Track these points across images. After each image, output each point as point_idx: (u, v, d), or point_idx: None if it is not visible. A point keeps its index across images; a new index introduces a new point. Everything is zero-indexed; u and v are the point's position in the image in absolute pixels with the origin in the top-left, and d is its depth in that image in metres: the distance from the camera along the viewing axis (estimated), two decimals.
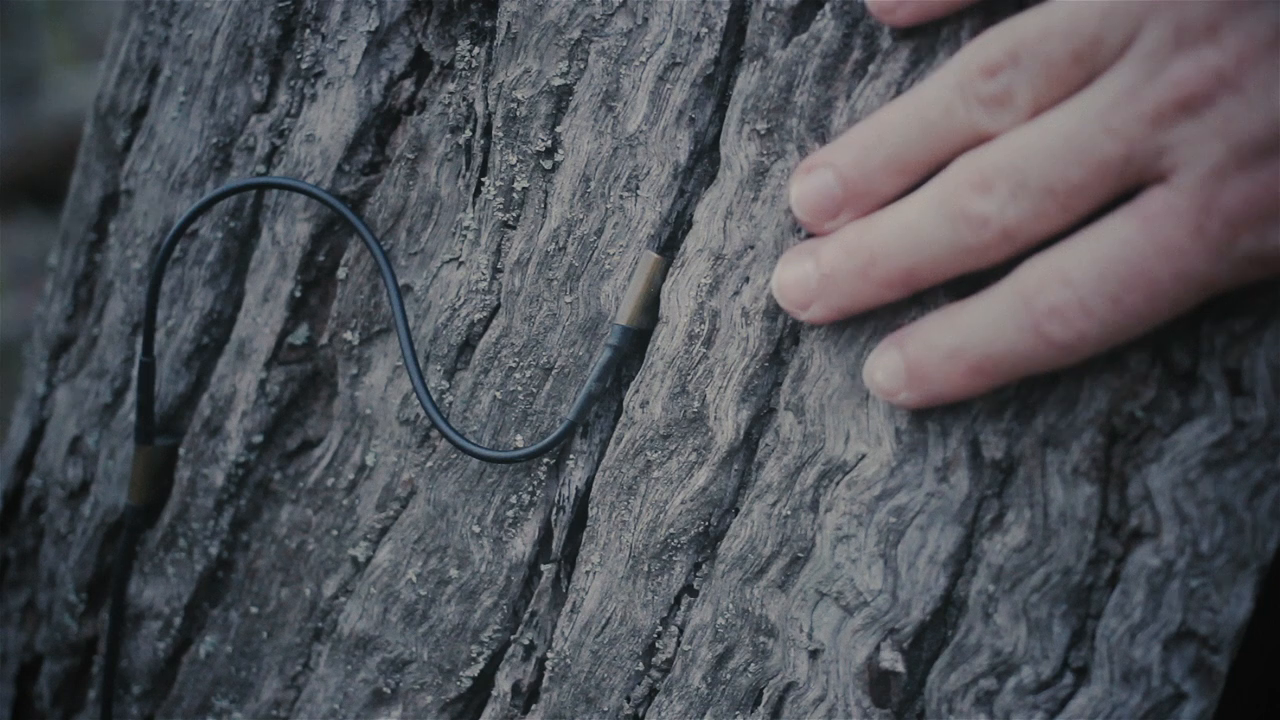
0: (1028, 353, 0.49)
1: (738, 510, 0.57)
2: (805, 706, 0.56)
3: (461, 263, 0.62)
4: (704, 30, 0.57)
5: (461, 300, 0.62)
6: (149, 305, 0.64)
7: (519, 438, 0.61)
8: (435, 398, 0.62)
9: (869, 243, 0.52)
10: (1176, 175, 0.47)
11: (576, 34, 0.59)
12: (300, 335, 0.66)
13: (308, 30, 0.64)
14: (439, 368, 0.62)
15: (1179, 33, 0.46)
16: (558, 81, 0.59)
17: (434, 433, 0.63)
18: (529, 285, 0.60)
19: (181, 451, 0.68)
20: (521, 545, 0.61)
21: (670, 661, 0.59)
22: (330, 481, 0.66)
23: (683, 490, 0.58)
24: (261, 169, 0.65)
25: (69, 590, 0.72)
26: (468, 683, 0.63)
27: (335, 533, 0.65)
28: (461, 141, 0.62)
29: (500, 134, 0.60)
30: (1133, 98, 0.47)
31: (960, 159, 0.50)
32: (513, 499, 0.61)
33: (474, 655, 0.62)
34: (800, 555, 0.56)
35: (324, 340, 0.65)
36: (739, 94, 0.56)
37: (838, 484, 0.55)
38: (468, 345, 0.62)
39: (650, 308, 0.58)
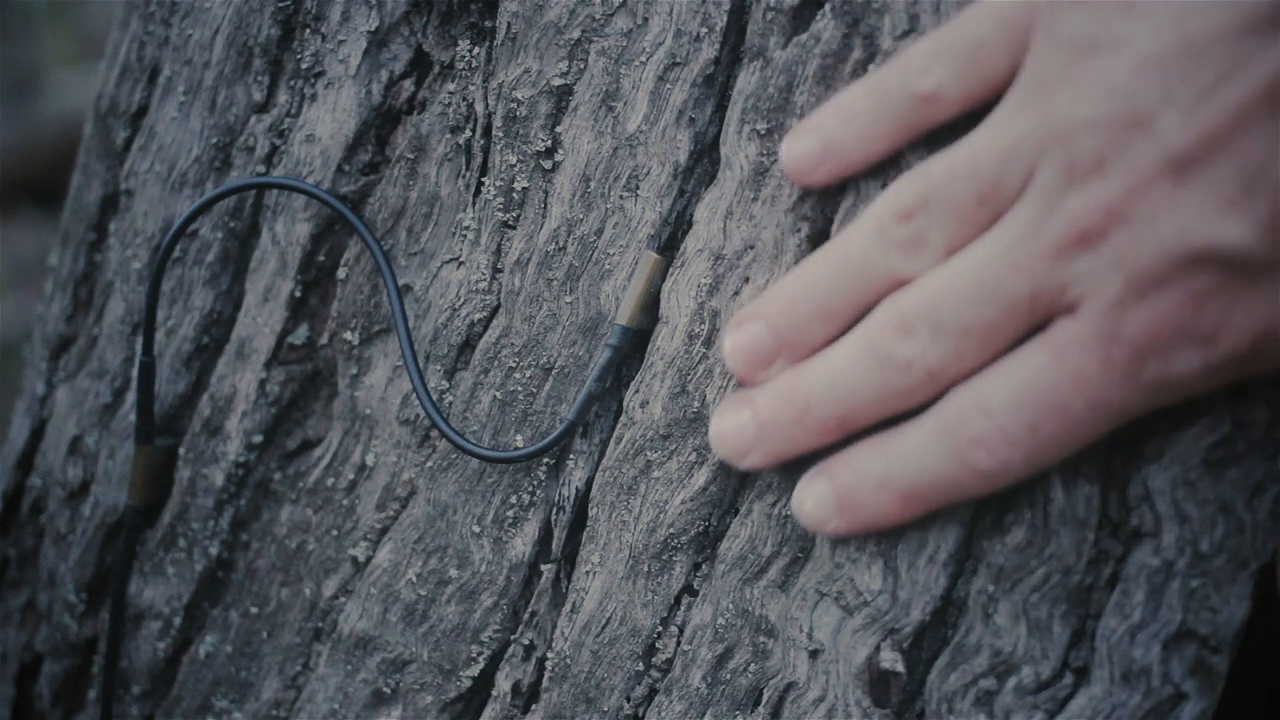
0: (956, 481, 0.51)
1: (738, 510, 0.57)
2: (805, 706, 0.56)
3: (461, 263, 0.62)
4: (704, 30, 0.57)
5: (461, 300, 0.62)
6: (149, 305, 0.64)
7: (519, 438, 0.61)
8: (435, 398, 0.62)
9: (802, 390, 0.53)
10: (1082, 307, 0.48)
11: (576, 34, 0.59)
12: (300, 335, 0.66)
13: (308, 30, 0.64)
14: (439, 368, 0.62)
15: (1070, 170, 0.47)
16: (558, 81, 0.59)
17: (434, 433, 0.63)
18: (529, 285, 0.60)
19: (181, 451, 0.68)
20: (521, 545, 0.61)
21: (670, 661, 0.59)
22: (330, 481, 0.66)
23: (683, 490, 0.58)
24: (261, 169, 0.65)
25: (69, 590, 0.72)
26: (468, 683, 0.63)
27: (335, 533, 0.65)
28: (461, 141, 0.62)
29: (500, 134, 0.61)
30: (1033, 235, 0.48)
31: (883, 304, 0.51)
32: (513, 499, 0.61)
33: (474, 655, 0.62)
34: (800, 555, 0.56)
35: (324, 340, 0.66)
36: (739, 94, 0.56)
37: None
38: (468, 345, 0.62)
39: (650, 308, 0.58)
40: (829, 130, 0.53)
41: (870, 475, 0.52)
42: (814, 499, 0.54)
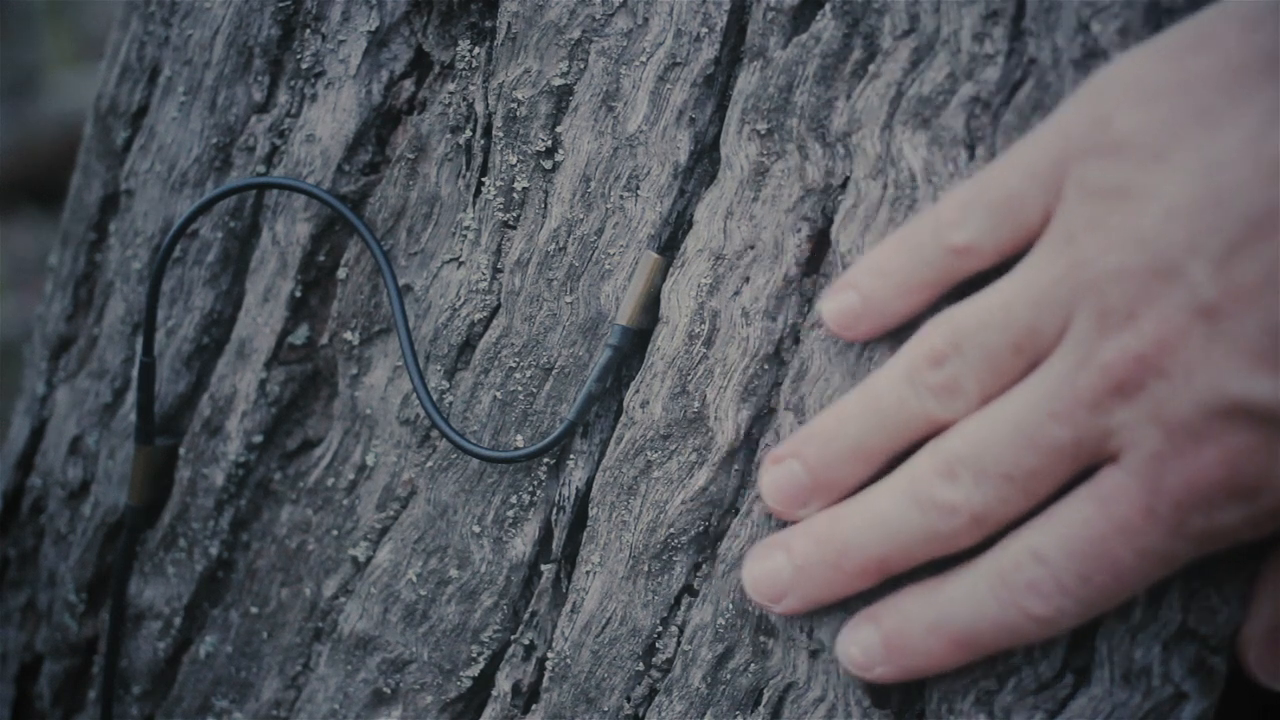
0: (1011, 626, 0.50)
1: (738, 510, 0.57)
2: (805, 706, 0.56)
3: (461, 263, 0.62)
4: (704, 30, 0.57)
5: (461, 300, 0.62)
6: (149, 305, 0.64)
7: (519, 438, 0.61)
8: (435, 398, 0.62)
9: (840, 533, 0.53)
10: (1124, 457, 0.48)
11: (577, 34, 0.59)
12: (300, 335, 0.66)
13: (308, 30, 0.64)
14: (439, 368, 0.62)
15: (1103, 320, 0.47)
16: (558, 81, 0.59)
17: (434, 433, 0.63)
18: (529, 285, 0.60)
19: (181, 451, 0.68)
20: (521, 545, 0.61)
21: (670, 661, 0.59)
22: (330, 481, 0.66)
23: (683, 490, 0.58)
24: (261, 169, 0.65)
25: (69, 590, 0.72)
26: (468, 683, 0.63)
27: (335, 533, 0.65)
28: (461, 141, 0.62)
29: (500, 134, 0.61)
30: (1070, 385, 0.48)
31: (926, 447, 0.51)
32: (513, 499, 0.61)
33: (474, 655, 0.62)
34: None
35: (324, 340, 0.66)
36: (739, 94, 0.56)
37: None
38: (468, 345, 0.62)
39: (650, 308, 0.58)
40: (866, 286, 0.53)
41: (919, 620, 0.52)
42: (859, 645, 0.53)
